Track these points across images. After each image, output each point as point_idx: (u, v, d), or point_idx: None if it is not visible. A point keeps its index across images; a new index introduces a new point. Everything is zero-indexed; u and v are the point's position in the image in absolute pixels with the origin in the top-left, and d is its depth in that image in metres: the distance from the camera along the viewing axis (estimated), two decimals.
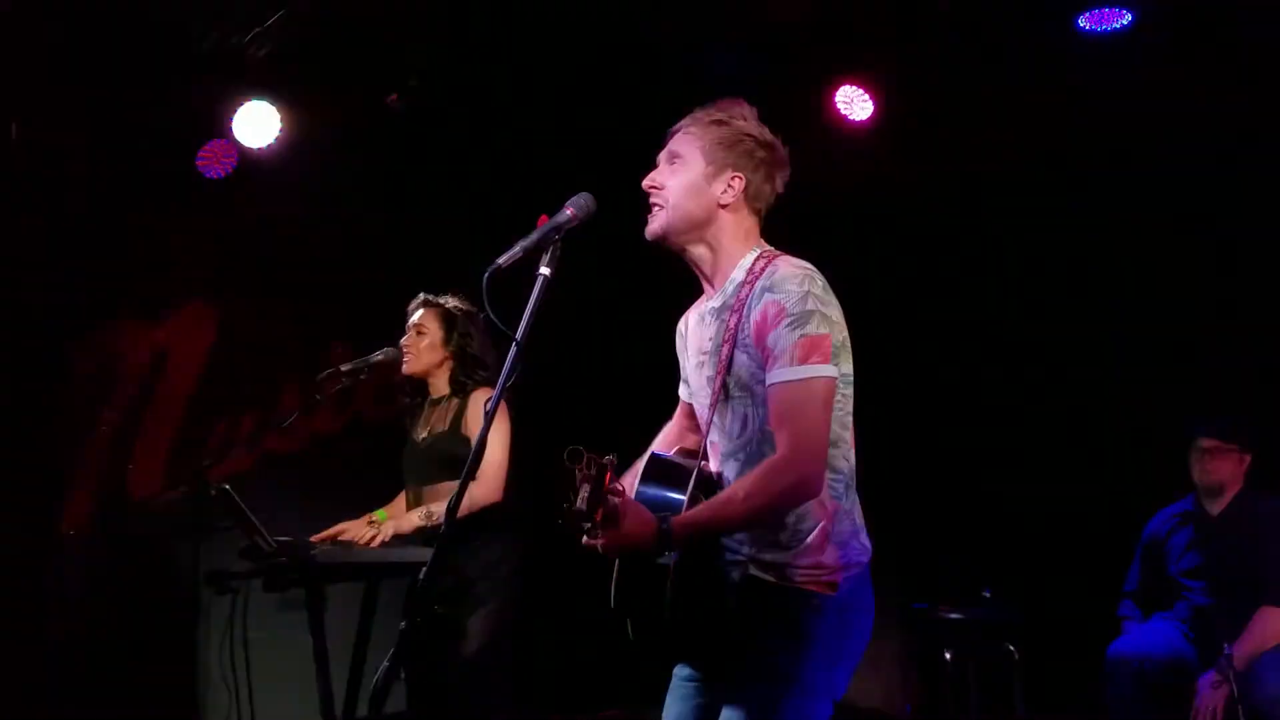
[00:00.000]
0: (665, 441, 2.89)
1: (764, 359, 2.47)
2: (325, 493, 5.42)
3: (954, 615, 4.93)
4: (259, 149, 5.05)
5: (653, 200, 2.66)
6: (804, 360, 2.41)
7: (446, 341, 4.34)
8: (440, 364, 4.36)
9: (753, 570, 2.50)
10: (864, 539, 2.56)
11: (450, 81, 5.27)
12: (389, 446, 5.65)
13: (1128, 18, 4.64)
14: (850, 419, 2.56)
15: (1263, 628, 4.27)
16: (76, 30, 4.62)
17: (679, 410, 2.92)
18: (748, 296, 2.51)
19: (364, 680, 4.24)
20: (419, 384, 4.46)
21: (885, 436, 5.77)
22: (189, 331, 5.57)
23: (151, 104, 4.89)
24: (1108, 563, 4.95)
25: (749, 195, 2.63)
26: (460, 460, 3.95)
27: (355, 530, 4.20)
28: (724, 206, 2.62)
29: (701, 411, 2.67)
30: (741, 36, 5.07)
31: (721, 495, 2.43)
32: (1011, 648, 4.97)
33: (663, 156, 2.70)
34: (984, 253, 5.63)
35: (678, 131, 2.69)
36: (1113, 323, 5.27)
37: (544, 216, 2.64)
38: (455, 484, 4.03)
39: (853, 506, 2.56)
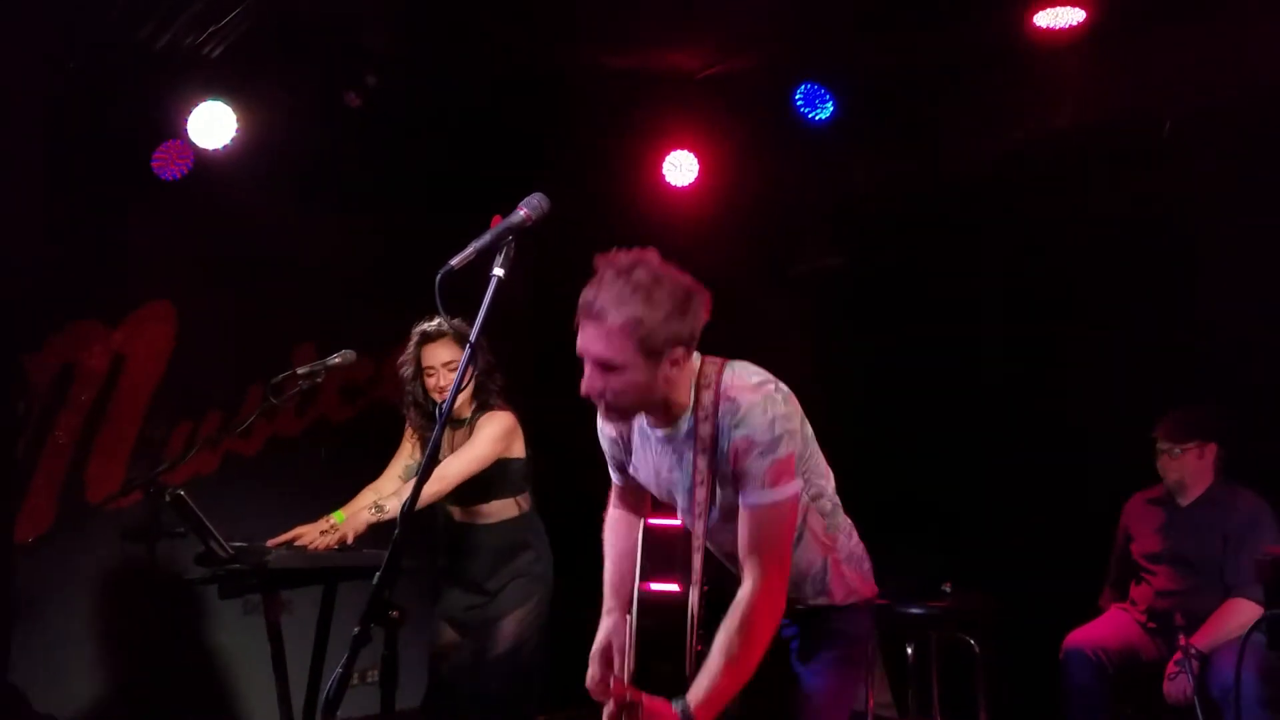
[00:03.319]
0: (627, 537, 3.03)
1: (737, 482, 2.62)
2: (288, 495, 5.42)
3: (915, 609, 4.96)
4: (215, 150, 5.00)
5: (597, 401, 2.67)
6: (774, 484, 2.58)
7: (475, 366, 4.33)
8: (472, 387, 4.39)
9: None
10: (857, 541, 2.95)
11: (408, 80, 5.24)
12: (352, 447, 5.67)
13: (1081, 14, 4.66)
14: (822, 458, 2.82)
15: (1229, 618, 4.29)
16: (27, 28, 4.57)
17: (621, 497, 3.06)
18: (712, 436, 2.62)
19: (323, 685, 4.24)
20: (429, 407, 4.45)
21: (846, 432, 5.86)
22: (147, 334, 5.51)
23: (105, 105, 4.83)
24: (1067, 555, 4.99)
25: (688, 346, 2.64)
26: (494, 479, 4.28)
27: (311, 534, 4.22)
28: (674, 373, 2.64)
29: (691, 523, 2.77)
30: (701, 33, 5.09)
31: (719, 661, 2.56)
32: (972, 641, 5.00)
33: (591, 362, 2.63)
34: (946, 250, 5.66)
35: (593, 322, 2.59)
36: (1074, 317, 5.29)
37: (497, 217, 2.64)
38: (498, 502, 4.32)
39: (846, 525, 2.93)
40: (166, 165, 5.00)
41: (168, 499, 3.75)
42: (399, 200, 5.84)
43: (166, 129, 5.01)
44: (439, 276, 2.51)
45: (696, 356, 2.70)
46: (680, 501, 2.78)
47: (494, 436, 4.27)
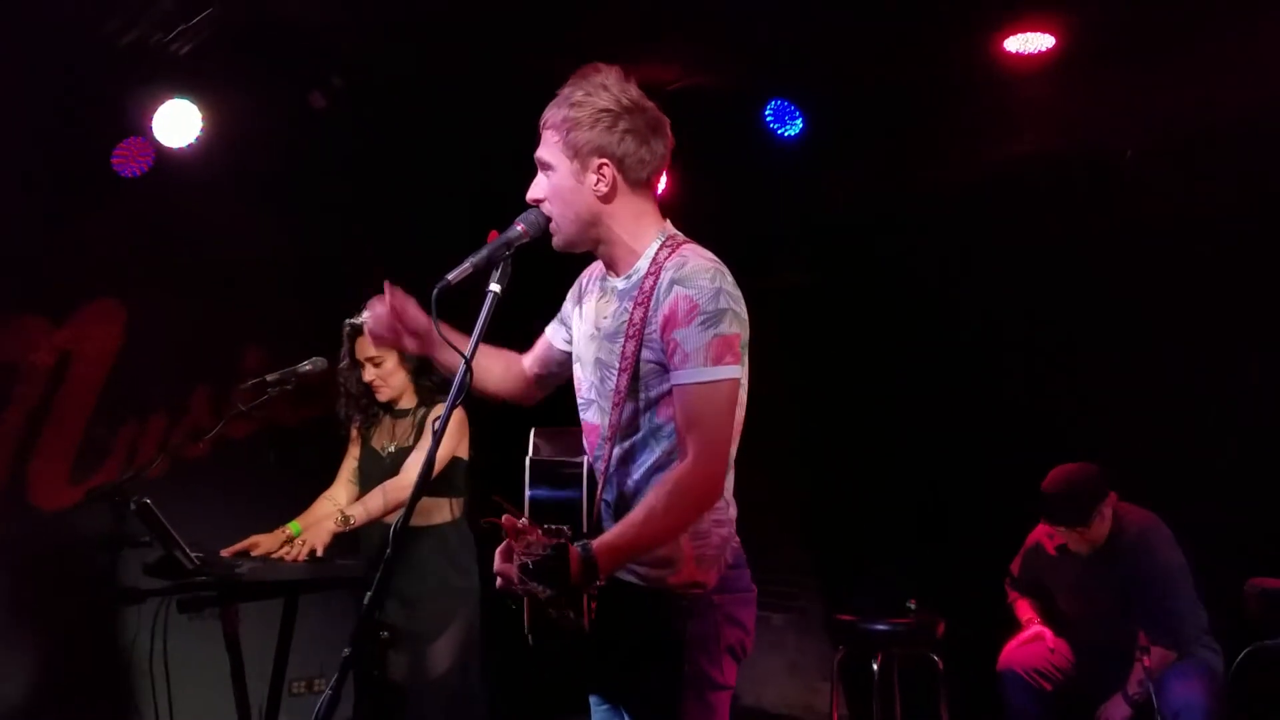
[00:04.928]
0: (498, 355, 2.84)
1: (668, 350, 2.43)
2: (235, 500, 5.33)
3: (879, 626, 5.01)
4: (179, 148, 4.91)
5: (544, 211, 2.58)
6: (717, 361, 2.39)
7: (404, 359, 4.34)
8: (406, 380, 4.38)
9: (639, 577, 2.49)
10: (726, 530, 2.54)
11: (374, 83, 5.17)
12: (302, 452, 5.57)
13: (1051, 41, 4.72)
14: (742, 420, 2.53)
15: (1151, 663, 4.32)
16: None
17: (532, 352, 2.86)
18: (653, 289, 2.46)
19: (283, 697, 4.18)
20: (365, 398, 4.43)
21: (812, 448, 5.91)
22: (94, 332, 5.39)
23: (65, 99, 4.72)
24: None
25: (626, 174, 2.52)
26: (437, 476, 4.01)
27: (268, 544, 4.14)
28: (604, 198, 2.53)
29: (582, 387, 2.64)
30: (673, 47, 5.08)
31: (639, 514, 2.36)
32: (935, 657, 5.06)
33: (536, 162, 2.59)
34: (910, 265, 5.72)
35: (540, 127, 2.58)
36: (1035, 336, 5.37)
37: (494, 232, 2.60)
38: (432, 500, 4.19)
39: (721, 501, 2.52)
40: (126, 162, 4.90)
41: (133, 507, 3.65)
42: (360, 204, 5.75)
43: (129, 126, 4.91)
44: (435, 291, 2.46)
45: (670, 224, 2.60)
46: (602, 365, 2.56)
47: (449, 434, 4.20)
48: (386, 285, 2.67)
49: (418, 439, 4.29)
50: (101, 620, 4.93)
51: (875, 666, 5.03)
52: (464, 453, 4.35)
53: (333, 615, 4.88)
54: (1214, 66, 4.44)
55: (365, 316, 4.26)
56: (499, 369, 2.85)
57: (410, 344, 2.73)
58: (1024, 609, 4.87)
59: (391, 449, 4.38)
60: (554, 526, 2.21)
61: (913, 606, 4.96)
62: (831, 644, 5.60)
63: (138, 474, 3.92)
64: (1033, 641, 4.72)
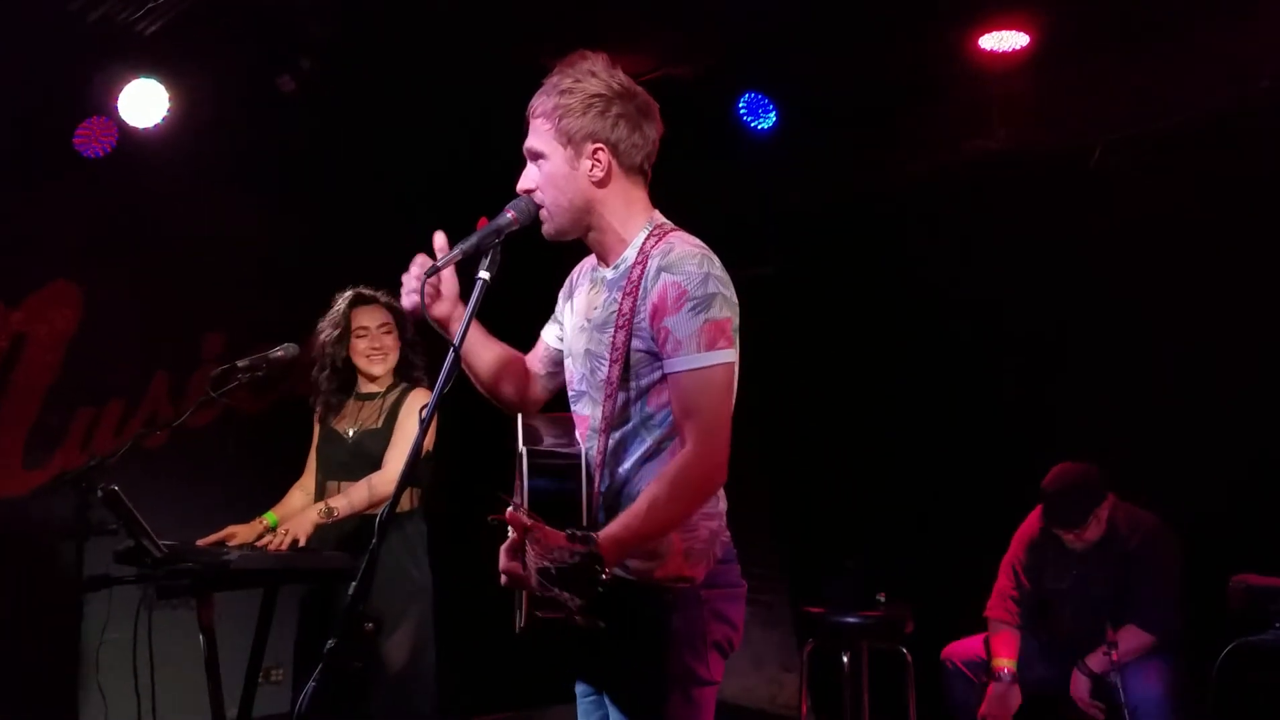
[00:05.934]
0: (501, 349, 2.78)
1: (659, 339, 2.41)
2: (196, 488, 5.28)
3: (849, 619, 5.02)
4: (144, 129, 4.84)
5: (535, 200, 2.56)
6: (710, 347, 2.37)
7: (402, 336, 4.33)
8: (397, 355, 4.35)
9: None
10: (716, 524, 2.49)
11: (344, 66, 5.10)
12: (263, 441, 5.51)
13: (1025, 39, 4.75)
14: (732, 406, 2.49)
15: (1126, 646, 4.35)
16: None
17: (533, 353, 2.83)
18: (640, 278, 2.44)
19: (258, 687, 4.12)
20: (347, 374, 4.35)
21: (780, 441, 5.92)
22: (50, 315, 5.30)
23: (28, 77, 4.62)
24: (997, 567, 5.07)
25: (620, 159, 2.51)
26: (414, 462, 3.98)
27: (245, 534, 4.08)
28: (599, 184, 2.52)
29: (573, 379, 2.62)
30: (647, 36, 5.06)
31: (642, 505, 2.34)
32: (904, 650, 5.08)
33: (526, 152, 2.57)
34: (879, 260, 5.73)
35: (530, 117, 2.56)
36: (1009, 328, 5.34)
37: (483, 219, 2.57)
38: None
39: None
40: (89, 142, 4.82)
41: (100, 494, 3.57)
42: (327, 189, 5.69)
43: (93, 105, 4.85)
44: (424, 277, 2.50)
45: (658, 213, 2.59)
46: (592, 356, 2.54)
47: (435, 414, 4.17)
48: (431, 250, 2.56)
49: (388, 423, 4.23)
50: (63, 609, 4.82)
51: (845, 660, 5.03)
52: (430, 443, 4.30)
53: (283, 605, 4.85)
54: (1189, 64, 4.47)
55: (371, 291, 4.23)
56: (490, 355, 2.77)
57: (442, 308, 2.66)
58: (1001, 646, 4.70)
59: (354, 430, 4.31)
60: (579, 532, 2.17)
61: (882, 599, 4.98)
62: (796, 636, 5.61)
63: (103, 461, 3.83)
64: (994, 696, 4.60)
